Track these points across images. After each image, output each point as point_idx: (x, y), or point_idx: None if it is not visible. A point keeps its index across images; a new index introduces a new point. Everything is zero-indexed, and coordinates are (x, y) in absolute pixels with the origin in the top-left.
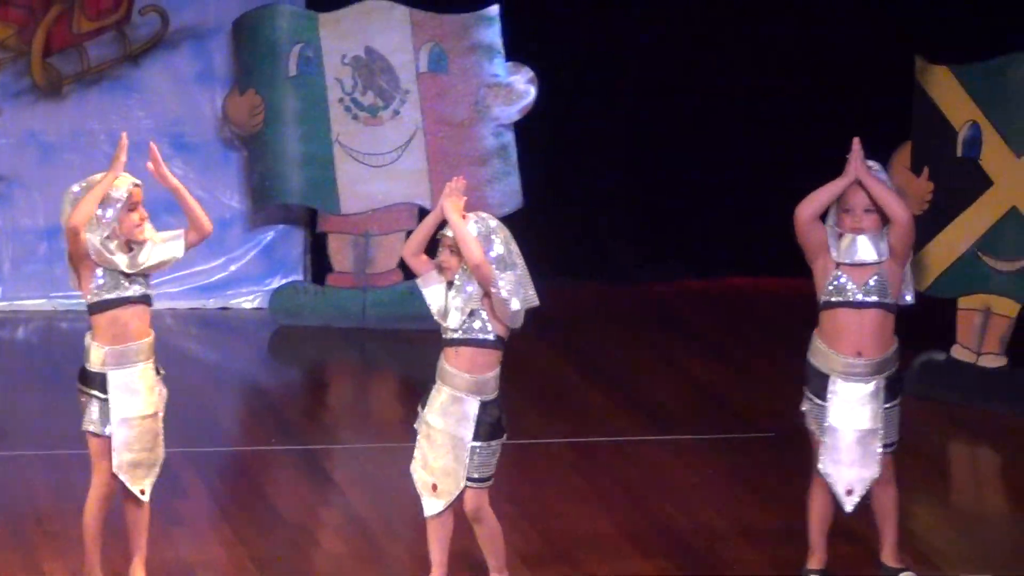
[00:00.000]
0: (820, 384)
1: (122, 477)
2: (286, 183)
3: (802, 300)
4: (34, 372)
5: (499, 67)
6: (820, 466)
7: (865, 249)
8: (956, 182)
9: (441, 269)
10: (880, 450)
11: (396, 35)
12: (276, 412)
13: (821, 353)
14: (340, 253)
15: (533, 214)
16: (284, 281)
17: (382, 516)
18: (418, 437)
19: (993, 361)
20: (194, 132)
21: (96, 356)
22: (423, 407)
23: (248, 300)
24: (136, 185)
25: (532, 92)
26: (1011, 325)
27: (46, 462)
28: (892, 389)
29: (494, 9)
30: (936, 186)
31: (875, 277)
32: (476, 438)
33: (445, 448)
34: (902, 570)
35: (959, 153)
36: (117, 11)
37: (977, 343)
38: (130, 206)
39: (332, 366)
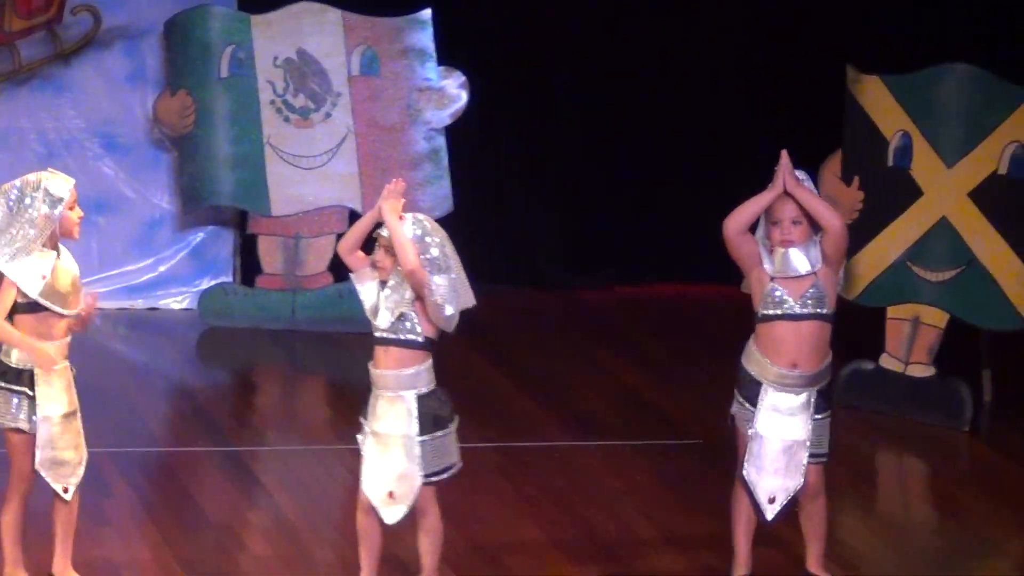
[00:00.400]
0: (752, 390)
1: (45, 475)
2: (216, 184)
3: (731, 307)
4: None
5: (431, 71)
6: (744, 472)
7: (799, 260)
8: (886, 191)
9: (376, 268)
10: (806, 461)
11: (328, 38)
12: (204, 413)
13: (756, 361)
14: (270, 255)
15: (464, 219)
16: (213, 282)
17: (309, 519)
18: (363, 452)
19: (921, 371)
20: (125, 132)
21: (22, 353)
22: (364, 418)
23: (177, 301)
24: (75, 185)
25: (464, 96)
26: (939, 335)
27: None
28: (823, 401)
29: (426, 13)
30: (866, 195)
31: (812, 289)
32: (422, 432)
33: (398, 450)
34: None
35: (890, 162)
36: (49, 10)
37: (905, 353)
38: (70, 205)
39: (261, 368)
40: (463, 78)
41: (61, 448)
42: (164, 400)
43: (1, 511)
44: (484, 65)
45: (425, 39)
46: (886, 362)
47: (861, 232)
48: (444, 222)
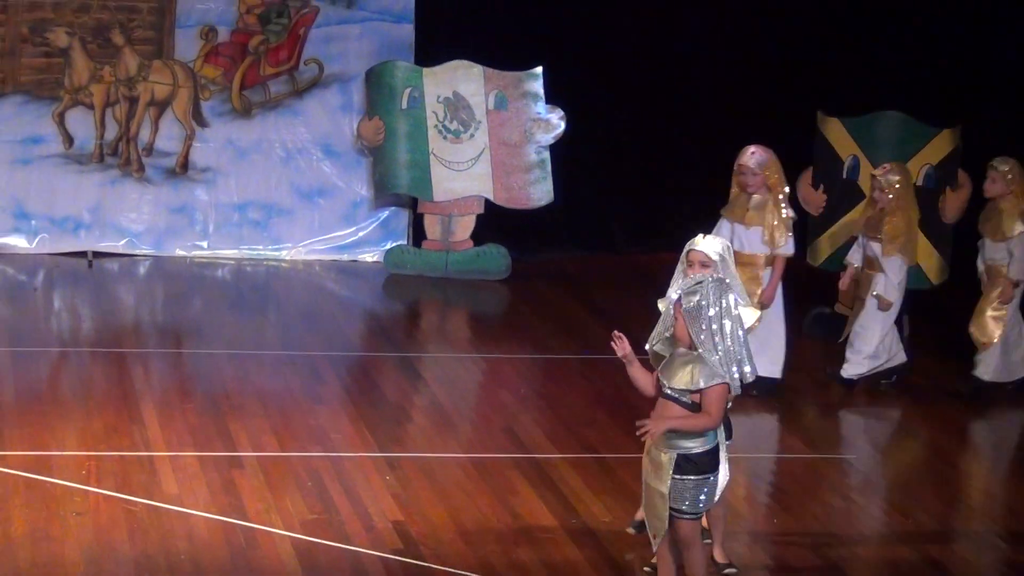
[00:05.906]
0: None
1: None
2: (397, 180)
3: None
4: (227, 298)
5: (541, 108)
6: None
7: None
8: (841, 195)
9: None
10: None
11: (473, 84)
12: (386, 330)
13: None
14: (432, 227)
15: (563, 207)
16: (394, 244)
17: (455, 403)
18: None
19: None
20: (338, 144)
21: None
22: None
23: (370, 256)
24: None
25: (563, 125)
26: None
27: (231, 358)
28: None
29: (539, 69)
30: (828, 197)
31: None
32: None
33: None
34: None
35: (844, 176)
36: (290, 61)
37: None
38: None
39: (424, 302)
40: (562, 112)
41: None
42: (359, 321)
43: None
44: (579, 105)
45: (537, 86)
46: (839, 308)
47: (824, 222)
48: (548, 209)
